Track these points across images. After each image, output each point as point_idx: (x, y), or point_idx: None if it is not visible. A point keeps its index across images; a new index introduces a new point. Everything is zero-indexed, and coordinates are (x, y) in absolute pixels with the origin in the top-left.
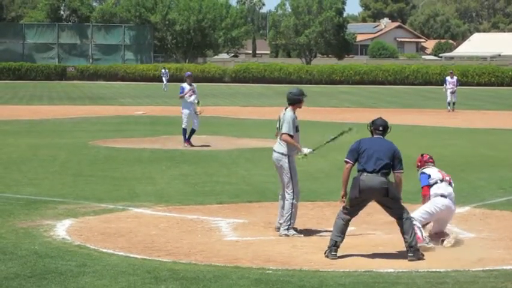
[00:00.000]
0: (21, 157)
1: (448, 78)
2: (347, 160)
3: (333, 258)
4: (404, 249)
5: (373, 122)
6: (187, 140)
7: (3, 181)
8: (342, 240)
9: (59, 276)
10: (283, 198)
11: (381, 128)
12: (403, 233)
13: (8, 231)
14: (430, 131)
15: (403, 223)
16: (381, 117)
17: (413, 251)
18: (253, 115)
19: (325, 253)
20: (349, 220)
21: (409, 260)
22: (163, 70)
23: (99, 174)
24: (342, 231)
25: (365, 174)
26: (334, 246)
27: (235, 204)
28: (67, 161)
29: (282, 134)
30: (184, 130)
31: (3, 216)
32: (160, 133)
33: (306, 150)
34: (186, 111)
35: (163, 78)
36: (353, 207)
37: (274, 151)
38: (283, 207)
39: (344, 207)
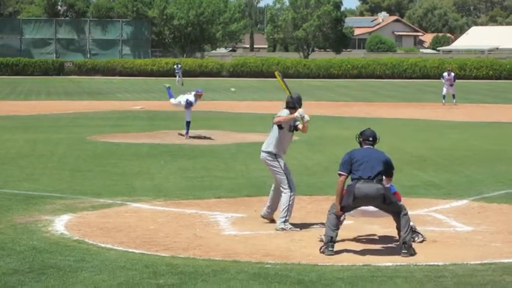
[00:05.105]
0: (19, 152)
1: (445, 74)
2: (340, 173)
3: (329, 254)
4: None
5: (361, 133)
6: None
7: (1, 177)
8: (337, 235)
9: (57, 271)
10: (276, 190)
11: (370, 139)
12: (399, 229)
13: (6, 227)
14: (428, 124)
15: (400, 219)
16: (369, 128)
17: (407, 248)
18: (251, 109)
19: (320, 249)
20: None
21: (402, 256)
22: (175, 66)
23: (97, 169)
24: (335, 226)
25: (361, 181)
26: (331, 242)
27: (233, 198)
28: (65, 156)
29: (275, 118)
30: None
31: (2, 211)
32: (159, 128)
33: (299, 114)
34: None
35: (176, 74)
36: (344, 211)
37: (262, 151)
38: (272, 198)
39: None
